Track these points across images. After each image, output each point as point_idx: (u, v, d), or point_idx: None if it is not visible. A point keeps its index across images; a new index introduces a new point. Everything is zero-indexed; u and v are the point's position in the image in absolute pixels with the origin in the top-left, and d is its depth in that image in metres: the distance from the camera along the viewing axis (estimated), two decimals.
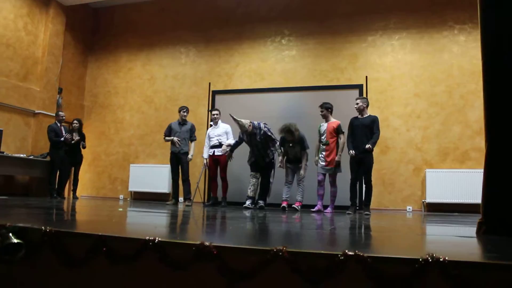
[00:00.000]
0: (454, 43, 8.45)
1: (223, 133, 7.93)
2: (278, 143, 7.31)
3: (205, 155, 7.99)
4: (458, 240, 3.08)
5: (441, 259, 1.59)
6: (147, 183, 9.81)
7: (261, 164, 7.32)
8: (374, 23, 8.99)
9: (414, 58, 8.67)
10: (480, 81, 3.21)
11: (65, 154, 8.66)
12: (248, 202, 7.21)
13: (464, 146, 8.10)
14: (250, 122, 7.22)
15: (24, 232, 2.25)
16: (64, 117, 8.77)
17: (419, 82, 8.54)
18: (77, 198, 8.84)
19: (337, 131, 6.91)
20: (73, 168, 8.97)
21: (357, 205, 6.76)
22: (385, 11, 8.96)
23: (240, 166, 8.16)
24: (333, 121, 7.03)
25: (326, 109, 7.06)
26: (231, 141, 7.81)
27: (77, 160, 8.92)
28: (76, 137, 8.71)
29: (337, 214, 6.34)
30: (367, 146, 6.39)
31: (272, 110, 7.68)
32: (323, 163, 6.89)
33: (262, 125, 7.25)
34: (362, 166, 6.51)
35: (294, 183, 7.34)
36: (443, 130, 8.26)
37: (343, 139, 6.88)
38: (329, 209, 6.81)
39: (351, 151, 6.58)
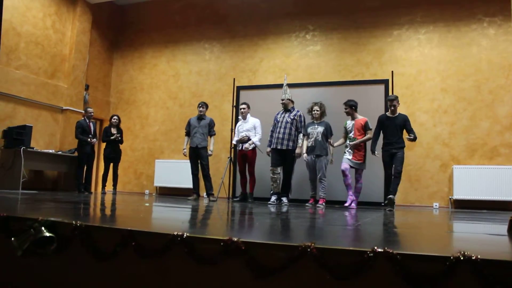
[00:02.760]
0: (483, 37, 8.25)
1: (251, 127, 7.88)
2: (303, 135, 7.31)
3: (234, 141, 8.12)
4: (488, 238, 3.01)
5: (473, 257, 1.56)
6: (172, 179, 9.91)
7: (282, 153, 7.28)
8: (400, 17, 8.85)
9: (441, 52, 8.50)
10: (511, 75, 3.12)
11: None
12: (273, 199, 7.22)
13: (493, 142, 7.92)
14: (293, 103, 7.56)
15: (56, 226, 2.30)
16: (92, 113, 8.90)
17: (446, 77, 8.37)
18: (114, 193, 8.99)
19: (365, 127, 6.88)
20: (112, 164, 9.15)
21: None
22: (411, 4, 8.80)
23: (264, 162, 8.14)
24: (360, 118, 6.97)
25: (350, 107, 7.00)
26: (257, 138, 7.80)
27: (115, 156, 9.08)
28: (114, 131, 8.97)
29: (362, 210, 6.28)
30: (410, 138, 6.54)
31: (296, 105, 7.63)
32: (350, 157, 6.84)
33: (301, 113, 7.45)
34: (395, 159, 6.53)
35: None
36: (471, 126, 8.09)
37: (369, 135, 6.86)
38: (353, 205, 6.77)
39: (376, 152, 6.63)
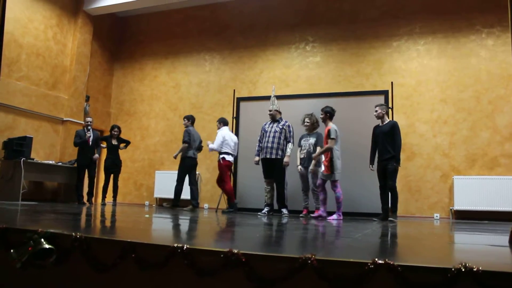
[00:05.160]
0: (482, 47, 8.28)
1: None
2: (292, 144, 7.30)
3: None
4: (490, 249, 3.00)
5: (474, 269, 1.55)
6: (172, 190, 9.84)
7: (271, 162, 7.30)
8: (399, 28, 8.90)
9: (440, 63, 8.53)
10: (510, 86, 3.13)
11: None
12: (264, 210, 7.31)
13: (493, 152, 7.91)
14: (280, 113, 7.57)
15: (55, 237, 2.30)
16: (90, 122, 8.70)
17: (446, 88, 8.40)
18: (114, 204, 8.95)
19: (328, 135, 6.59)
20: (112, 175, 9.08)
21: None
22: (410, 15, 8.85)
23: (253, 173, 8.16)
24: (329, 125, 6.73)
25: (325, 113, 6.78)
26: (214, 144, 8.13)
27: (116, 167, 9.03)
28: (115, 143, 8.96)
29: (362, 221, 6.25)
30: (394, 165, 6.38)
31: (296, 116, 7.64)
32: (322, 169, 6.76)
33: (289, 123, 7.44)
34: (387, 173, 6.47)
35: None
36: (471, 136, 8.09)
37: (329, 144, 6.48)
38: (334, 216, 6.50)
39: (371, 165, 6.66)
